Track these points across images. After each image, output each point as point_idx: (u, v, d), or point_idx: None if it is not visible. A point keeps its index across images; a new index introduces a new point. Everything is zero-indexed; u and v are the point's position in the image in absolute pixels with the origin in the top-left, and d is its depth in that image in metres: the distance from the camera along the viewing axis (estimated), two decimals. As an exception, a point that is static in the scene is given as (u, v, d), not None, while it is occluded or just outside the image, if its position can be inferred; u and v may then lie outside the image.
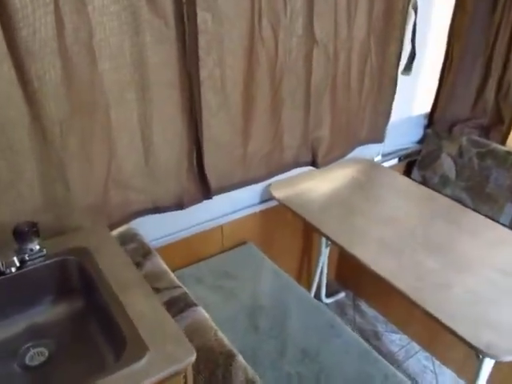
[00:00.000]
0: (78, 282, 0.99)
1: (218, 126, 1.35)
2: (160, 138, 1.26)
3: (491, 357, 1.02)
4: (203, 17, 1.17)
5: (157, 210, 1.35)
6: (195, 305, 1.06)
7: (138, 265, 1.15)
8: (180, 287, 1.10)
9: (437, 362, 1.81)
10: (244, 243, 1.64)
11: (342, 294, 2.11)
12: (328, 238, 1.46)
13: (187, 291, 1.09)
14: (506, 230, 1.50)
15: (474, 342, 1.03)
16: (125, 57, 1.11)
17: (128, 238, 1.25)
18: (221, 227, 1.56)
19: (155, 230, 1.42)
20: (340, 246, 1.37)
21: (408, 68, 1.70)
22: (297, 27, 1.37)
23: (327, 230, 1.43)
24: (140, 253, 1.19)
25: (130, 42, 1.09)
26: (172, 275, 1.14)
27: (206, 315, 1.04)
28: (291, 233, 1.83)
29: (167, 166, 1.31)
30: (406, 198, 1.63)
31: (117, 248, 1.04)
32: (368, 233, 1.42)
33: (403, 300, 1.17)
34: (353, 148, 1.78)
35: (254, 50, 1.31)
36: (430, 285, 1.20)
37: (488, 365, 1.30)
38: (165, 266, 1.17)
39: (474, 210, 1.82)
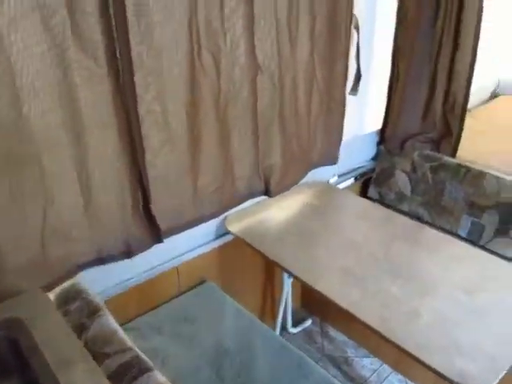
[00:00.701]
0: (9, 362, 0.86)
1: (163, 164, 1.27)
2: (100, 182, 1.16)
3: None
4: (138, 51, 1.08)
5: (102, 260, 1.24)
6: (150, 369, 0.95)
7: (83, 327, 1.03)
8: (131, 349, 0.99)
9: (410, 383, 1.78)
10: (202, 283, 1.54)
11: (308, 322, 2.04)
12: (289, 273, 1.40)
13: (140, 353, 0.98)
14: (464, 244, 1.49)
15: (447, 373, 0.99)
16: (53, 100, 1.01)
17: (72, 296, 1.13)
18: (176, 269, 1.46)
19: (104, 280, 1.30)
20: (302, 282, 1.31)
21: (354, 88, 1.68)
22: (238, 54, 1.31)
23: (287, 264, 1.36)
24: (85, 312, 1.07)
25: (58, 84, 1.00)
26: (122, 335, 1.03)
27: (163, 380, 0.94)
28: (251, 266, 1.76)
29: (110, 211, 1.21)
30: (364, 221, 1.60)
31: (56, 316, 0.92)
32: (329, 263, 1.36)
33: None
34: (306, 172, 1.74)
35: (196, 82, 1.24)
36: (397, 313, 1.15)
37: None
38: (114, 325, 1.06)
39: (432, 223, 1.83)
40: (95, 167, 1.14)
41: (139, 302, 1.40)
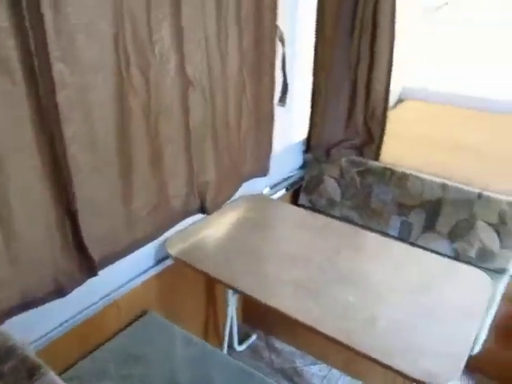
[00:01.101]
0: None
1: (92, 189, 1.15)
2: (21, 215, 1.02)
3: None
4: (59, 68, 0.97)
5: (30, 304, 1.09)
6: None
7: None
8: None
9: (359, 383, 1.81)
10: (145, 313, 1.43)
11: (253, 337, 2.00)
12: (234, 289, 1.35)
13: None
14: (401, 244, 1.57)
15: (415, 375, 1.00)
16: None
17: (2, 354, 0.97)
18: (115, 302, 1.34)
19: (37, 325, 1.15)
20: (250, 297, 1.27)
21: (282, 99, 1.69)
22: (168, 69, 1.24)
23: (232, 281, 1.32)
24: (23, 374, 0.92)
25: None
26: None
27: None
28: (194, 288, 1.68)
29: (35, 245, 1.07)
30: (303, 230, 1.60)
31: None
32: (275, 275, 1.34)
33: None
34: (239, 186, 1.71)
35: (125, 99, 1.15)
36: (356, 322, 1.16)
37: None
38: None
39: (364, 226, 1.90)
40: (16, 197, 1.00)
41: (79, 344, 1.26)
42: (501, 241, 1.59)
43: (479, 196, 1.63)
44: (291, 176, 2.05)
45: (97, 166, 1.15)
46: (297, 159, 2.08)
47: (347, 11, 1.71)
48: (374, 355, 1.04)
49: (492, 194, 1.62)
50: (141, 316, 1.43)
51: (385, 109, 1.85)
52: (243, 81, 1.52)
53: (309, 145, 2.02)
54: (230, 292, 1.70)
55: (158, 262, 1.48)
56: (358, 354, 1.06)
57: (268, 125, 1.73)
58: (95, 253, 1.19)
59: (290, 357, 1.93)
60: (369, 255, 1.45)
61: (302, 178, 2.07)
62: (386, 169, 1.84)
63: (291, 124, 1.96)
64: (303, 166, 2.09)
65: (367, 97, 1.84)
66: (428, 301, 1.23)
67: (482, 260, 1.62)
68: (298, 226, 1.65)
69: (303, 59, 1.81)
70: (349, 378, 1.83)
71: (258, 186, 1.85)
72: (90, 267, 1.19)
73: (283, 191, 2.00)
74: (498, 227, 1.59)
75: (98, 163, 1.15)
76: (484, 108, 2.51)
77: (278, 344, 1.99)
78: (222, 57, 1.39)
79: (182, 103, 1.32)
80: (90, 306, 1.27)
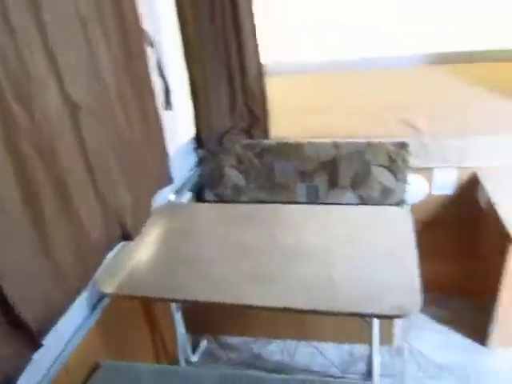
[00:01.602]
0: None
1: (10, 257, 0.99)
2: None
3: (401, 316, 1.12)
4: None
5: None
6: None
7: None
8: None
9: (315, 343, 1.91)
10: (98, 366, 1.29)
11: (204, 343, 1.97)
12: (184, 302, 1.30)
13: None
14: (317, 206, 1.67)
15: (391, 312, 1.10)
16: None
17: None
18: (64, 366, 1.18)
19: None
20: (202, 303, 1.24)
21: (167, 103, 1.64)
22: (50, 97, 1.11)
23: (175, 295, 1.28)
24: None
25: None
26: None
27: None
28: (139, 318, 1.57)
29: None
30: (219, 224, 1.59)
31: None
32: (216, 274, 1.31)
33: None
34: (151, 201, 1.63)
35: (14, 141, 1.00)
36: (315, 289, 1.20)
37: (376, 325, 1.45)
38: None
39: (274, 202, 1.98)
40: None
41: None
42: (395, 177, 1.80)
43: (368, 145, 1.82)
44: (191, 176, 2.02)
45: (5, 229, 0.99)
46: (191, 158, 2.05)
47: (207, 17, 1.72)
48: (347, 310, 1.11)
49: (377, 140, 1.81)
50: (94, 370, 1.29)
51: (262, 87, 1.91)
52: (125, 93, 1.43)
53: (199, 140, 2.01)
54: (175, 307, 1.64)
55: (95, 306, 1.34)
56: (324, 313, 1.12)
57: (158, 131, 1.66)
58: (33, 323, 1.03)
59: (245, 346, 1.95)
60: (295, 226, 1.50)
61: (202, 175, 2.05)
62: (280, 144, 1.93)
63: (177, 124, 1.91)
64: (199, 163, 2.07)
65: (243, 79, 1.88)
66: (367, 247, 1.34)
67: (385, 198, 1.83)
68: (215, 221, 1.64)
69: (175, 58, 1.77)
70: (304, 342, 1.92)
71: (163, 196, 1.78)
72: (31, 339, 1.04)
73: (189, 193, 1.96)
74: (390, 166, 1.80)
75: (6, 225, 0.99)
76: (346, 68, 2.77)
77: (230, 339, 1.98)
78: (98, 73, 1.29)
79: (74, 130, 1.19)
80: (40, 381, 1.11)
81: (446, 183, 1.92)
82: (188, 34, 1.75)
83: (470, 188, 1.92)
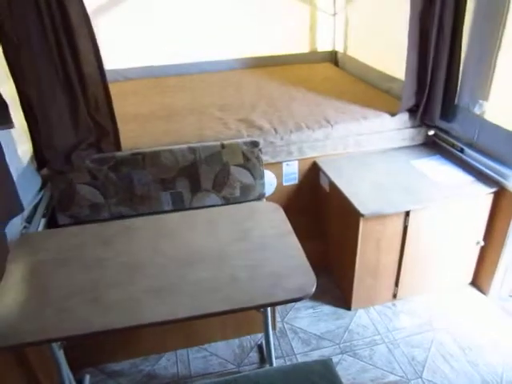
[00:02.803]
0: None
1: None
2: None
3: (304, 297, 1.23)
4: None
5: None
6: None
7: None
8: None
9: (206, 346, 1.95)
10: None
11: (87, 378, 1.80)
12: (68, 338, 1.18)
13: None
14: (186, 212, 1.69)
15: (295, 295, 1.19)
16: None
17: None
18: None
19: None
20: (83, 334, 1.15)
21: (5, 118, 1.44)
22: None
23: (60, 333, 1.16)
24: None
25: None
26: None
27: None
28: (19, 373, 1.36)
29: None
30: (84, 249, 1.47)
31: None
32: (98, 302, 1.24)
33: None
34: (6, 242, 1.42)
35: None
36: (220, 289, 1.24)
37: (270, 313, 1.57)
38: None
39: (138, 214, 1.93)
40: None
41: None
42: (252, 174, 1.95)
43: (222, 146, 1.92)
44: (40, 200, 1.80)
45: None
46: (35, 180, 1.83)
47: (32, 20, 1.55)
48: (256, 303, 1.19)
49: (231, 141, 1.93)
50: None
51: (107, 97, 1.82)
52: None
53: (41, 161, 1.80)
54: (56, 347, 1.47)
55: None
56: (243, 309, 1.19)
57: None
58: None
59: (134, 369, 1.86)
60: (178, 234, 1.50)
61: (51, 198, 1.85)
62: (134, 154, 1.88)
63: (10, 144, 1.67)
64: (45, 185, 1.86)
65: (84, 90, 1.76)
66: (254, 240, 1.43)
67: (246, 195, 1.97)
68: (85, 245, 1.51)
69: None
70: (195, 348, 1.94)
71: (13, 229, 1.56)
72: None
73: (43, 220, 1.75)
74: (246, 165, 1.94)
75: None
76: (176, 73, 2.80)
77: (115, 366, 1.87)
78: None
79: None
80: None
81: (292, 174, 2.18)
82: (16, 54, 1.54)
83: (313, 176, 2.22)
